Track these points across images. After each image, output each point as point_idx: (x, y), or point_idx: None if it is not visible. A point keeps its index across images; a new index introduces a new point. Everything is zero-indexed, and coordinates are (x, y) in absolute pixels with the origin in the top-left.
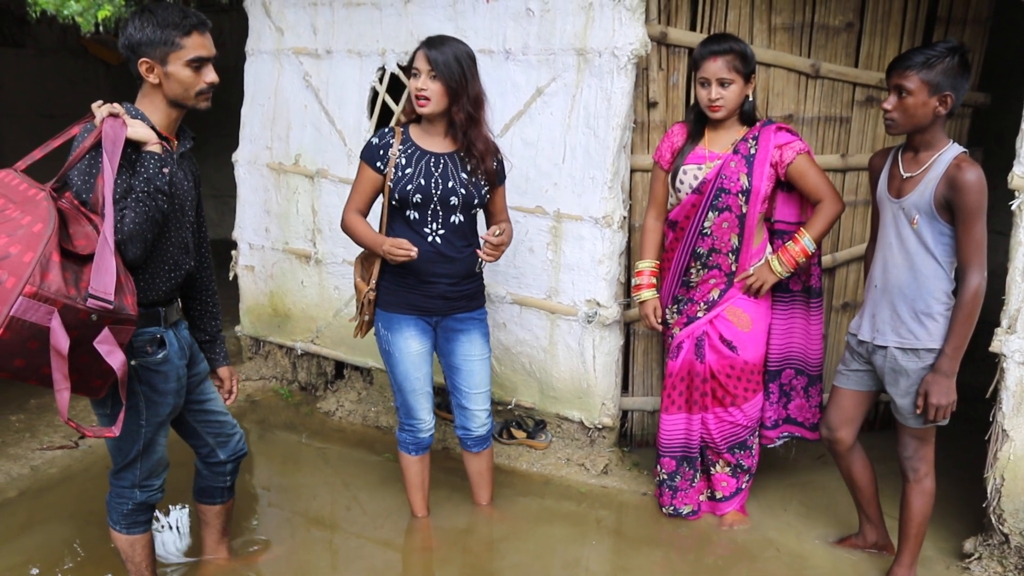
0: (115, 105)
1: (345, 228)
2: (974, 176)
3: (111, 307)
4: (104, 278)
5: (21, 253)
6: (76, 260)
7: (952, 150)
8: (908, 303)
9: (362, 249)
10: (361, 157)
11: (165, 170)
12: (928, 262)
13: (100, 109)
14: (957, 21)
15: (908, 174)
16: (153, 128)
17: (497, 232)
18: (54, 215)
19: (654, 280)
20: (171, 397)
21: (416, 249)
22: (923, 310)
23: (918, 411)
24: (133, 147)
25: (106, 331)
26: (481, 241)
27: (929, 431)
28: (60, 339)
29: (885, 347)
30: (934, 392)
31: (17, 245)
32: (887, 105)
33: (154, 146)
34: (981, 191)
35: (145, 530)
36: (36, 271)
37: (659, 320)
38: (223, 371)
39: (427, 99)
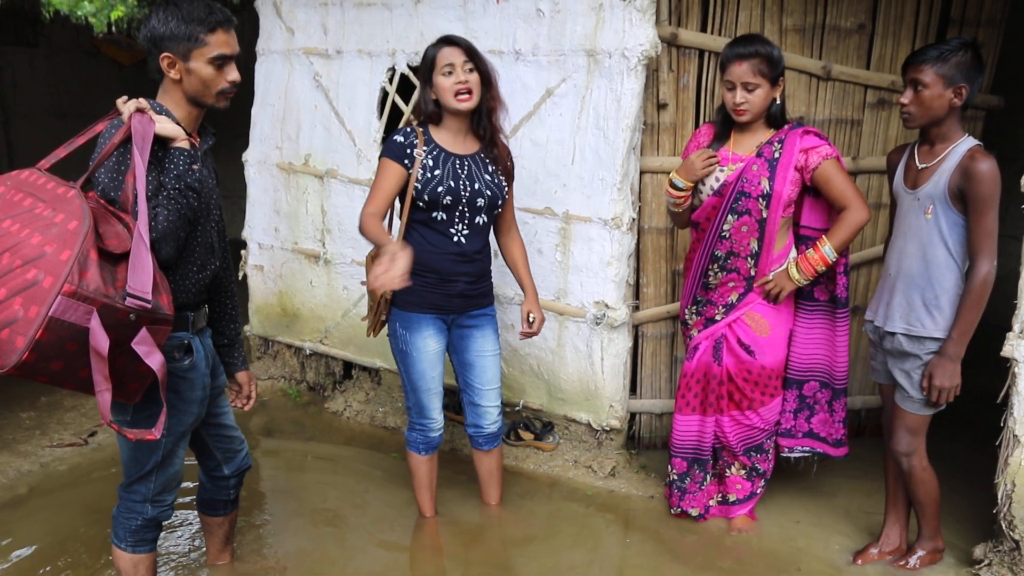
0: (141, 100)
1: (364, 228)
2: (987, 166)
3: (149, 306)
4: (141, 276)
5: (57, 251)
6: (109, 259)
7: (967, 142)
8: (919, 291)
9: (372, 247)
10: (385, 155)
11: (195, 167)
12: (940, 252)
13: (126, 105)
14: (970, 23)
15: (924, 165)
16: (179, 124)
17: (531, 318)
18: (88, 211)
19: None
20: (196, 406)
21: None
22: (932, 300)
23: (923, 392)
24: (160, 144)
25: (144, 331)
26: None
27: (922, 423)
28: (100, 339)
29: (894, 333)
30: (938, 374)
31: (52, 243)
32: (904, 99)
33: (182, 142)
34: (994, 181)
35: (151, 549)
36: (74, 269)
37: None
38: (241, 376)
39: (469, 92)
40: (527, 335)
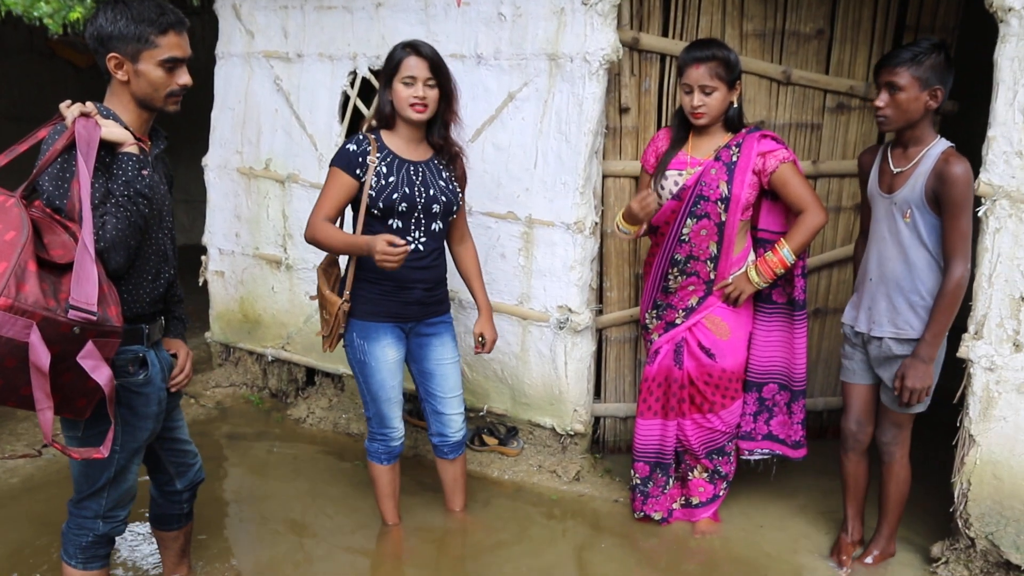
0: (87, 104)
1: (315, 236)
2: (961, 169)
3: (94, 318)
4: (85, 287)
5: None
6: (53, 270)
7: (940, 144)
8: (904, 295)
9: (323, 259)
10: (335, 164)
11: (145, 172)
12: (921, 254)
13: (70, 109)
14: (925, 29)
15: (898, 169)
16: (127, 128)
17: (481, 339)
18: (27, 221)
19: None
20: (151, 422)
21: (405, 242)
22: (918, 302)
23: (895, 393)
24: (107, 149)
25: (90, 345)
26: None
27: (907, 419)
28: (40, 355)
29: (881, 338)
30: (910, 376)
31: None
32: (879, 103)
33: (131, 147)
34: (967, 184)
35: (103, 566)
36: (11, 282)
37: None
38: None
39: (424, 107)
40: (479, 353)
